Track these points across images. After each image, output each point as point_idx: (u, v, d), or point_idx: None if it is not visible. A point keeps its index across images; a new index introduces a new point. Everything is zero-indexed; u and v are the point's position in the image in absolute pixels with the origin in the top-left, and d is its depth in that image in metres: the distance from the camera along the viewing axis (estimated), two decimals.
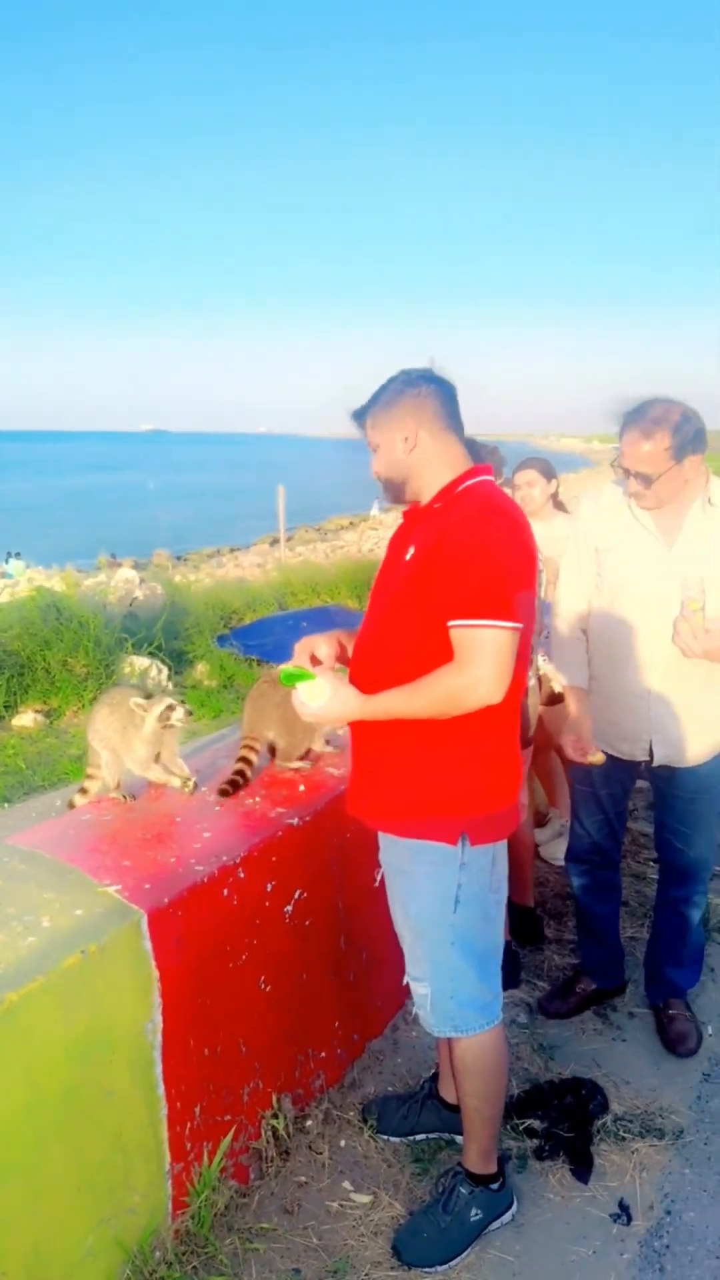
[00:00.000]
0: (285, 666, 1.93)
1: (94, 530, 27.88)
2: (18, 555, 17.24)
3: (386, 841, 2.01)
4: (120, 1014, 1.84)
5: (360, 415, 1.94)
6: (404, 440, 1.86)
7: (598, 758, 2.46)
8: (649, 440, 2.20)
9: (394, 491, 1.95)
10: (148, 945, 1.88)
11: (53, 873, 2.02)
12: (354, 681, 1.91)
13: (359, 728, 1.95)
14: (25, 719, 5.61)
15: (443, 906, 1.91)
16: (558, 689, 2.72)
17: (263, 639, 7.25)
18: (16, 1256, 1.62)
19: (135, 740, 2.34)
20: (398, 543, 1.99)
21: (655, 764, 2.49)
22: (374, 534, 21.89)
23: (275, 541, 19.71)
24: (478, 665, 1.72)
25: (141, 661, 6.39)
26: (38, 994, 1.65)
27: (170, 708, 2.32)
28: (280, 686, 2.56)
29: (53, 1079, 1.70)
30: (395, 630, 1.87)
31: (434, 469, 1.88)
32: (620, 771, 2.57)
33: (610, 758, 2.50)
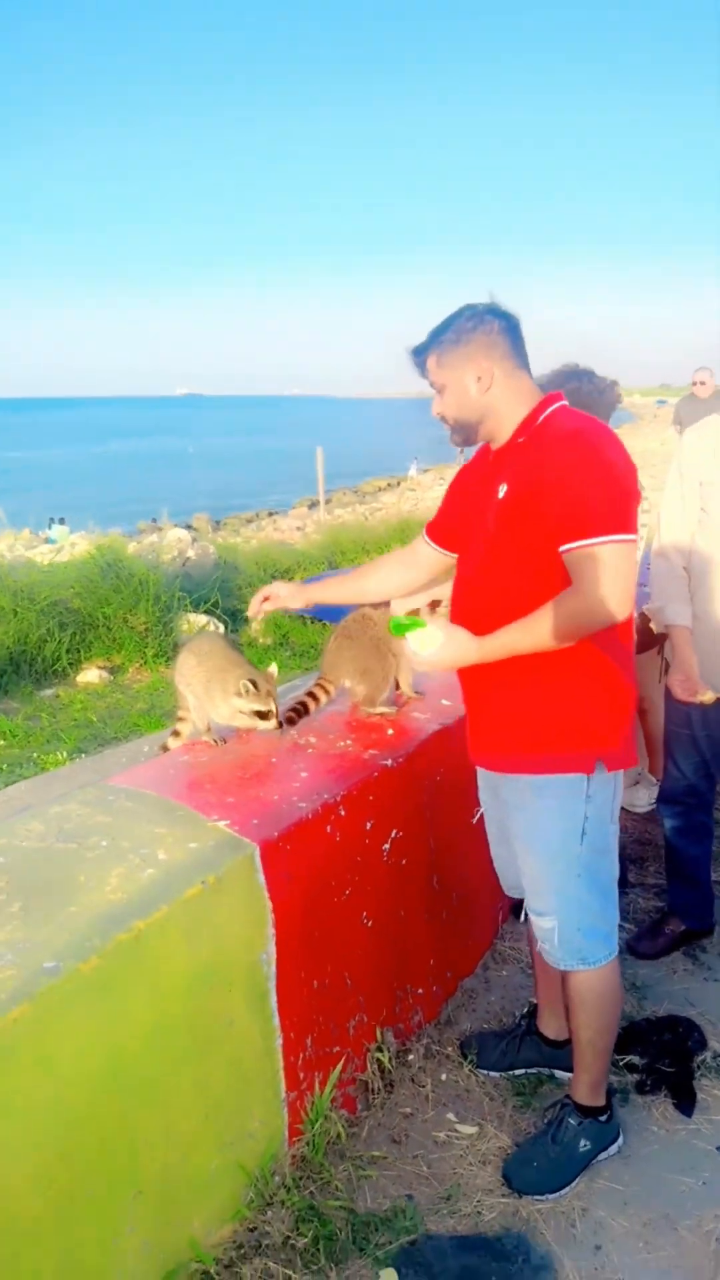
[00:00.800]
0: (395, 616, 1.89)
1: (133, 495, 28.00)
2: (61, 521, 17.36)
3: (504, 781, 1.99)
4: (238, 945, 1.86)
5: (422, 352, 1.85)
6: (478, 380, 1.80)
7: (708, 696, 2.41)
8: None
9: (465, 433, 1.89)
10: (261, 878, 1.89)
11: (161, 810, 2.04)
12: (463, 625, 1.86)
13: (471, 674, 1.91)
14: (90, 675, 5.68)
15: (569, 839, 1.90)
16: (657, 629, 2.67)
17: None
18: (150, 1175, 1.66)
19: (218, 699, 2.34)
20: (479, 484, 1.94)
21: None
22: (412, 494, 21.74)
23: (314, 504, 19.66)
24: (601, 584, 1.68)
25: (199, 619, 6.44)
26: (163, 923, 1.67)
27: (263, 715, 2.29)
28: (356, 636, 2.56)
29: (178, 1007, 1.73)
30: (499, 569, 1.83)
31: (510, 406, 1.83)
32: (718, 713, 2.53)
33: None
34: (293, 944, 1.98)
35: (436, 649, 1.77)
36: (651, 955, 2.79)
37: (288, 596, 2.32)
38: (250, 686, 2.26)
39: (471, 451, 2.04)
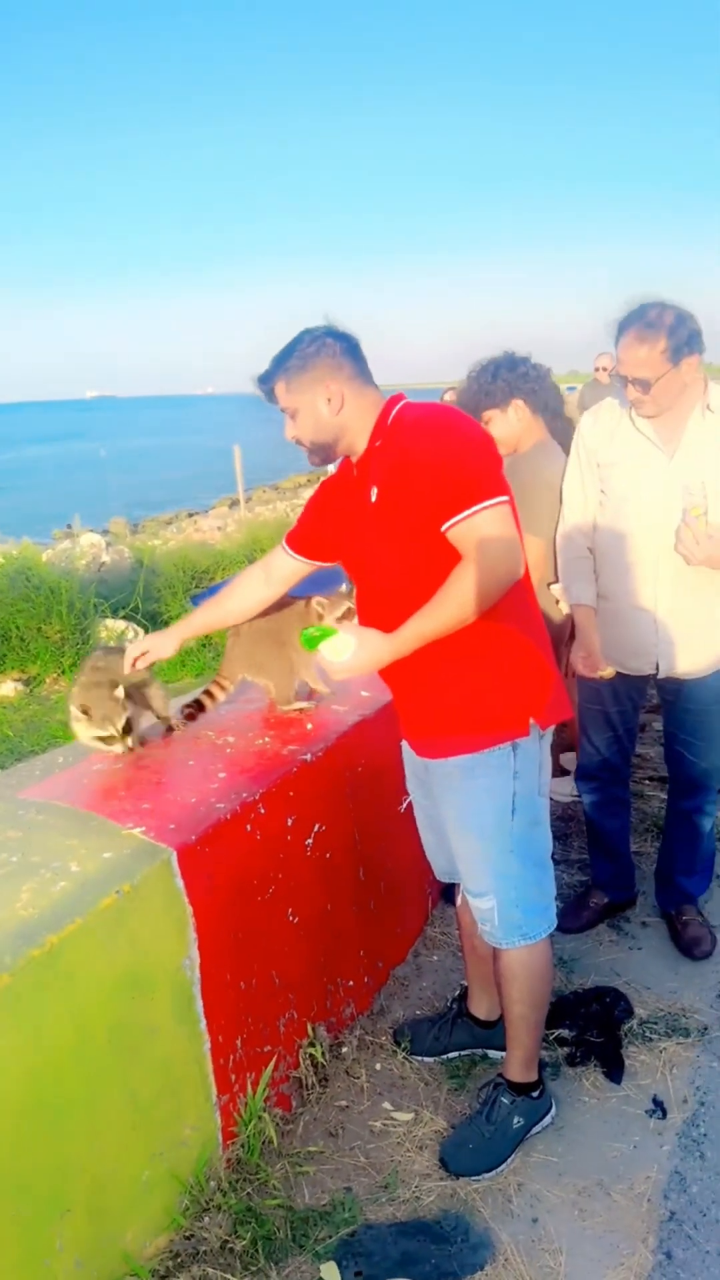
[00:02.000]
0: (304, 629, 1.89)
1: (45, 502, 27.33)
2: None
3: (432, 767, 2.01)
4: (158, 952, 1.83)
5: (268, 380, 1.89)
6: (328, 401, 1.85)
7: (608, 672, 2.47)
8: (644, 344, 2.17)
9: (322, 453, 1.92)
10: (179, 883, 1.86)
11: (73, 820, 1.99)
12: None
13: (391, 670, 1.90)
14: (5, 688, 5.54)
15: (500, 817, 1.92)
16: (565, 610, 2.72)
17: None
18: (78, 1192, 1.63)
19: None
20: (347, 494, 1.97)
21: (661, 676, 2.51)
22: None
23: (235, 503, 19.48)
24: (488, 549, 1.71)
25: (118, 624, 6.32)
26: (77, 935, 1.63)
27: (104, 740, 2.25)
28: (243, 631, 2.54)
29: (99, 1019, 1.69)
30: (390, 567, 1.86)
31: (362, 419, 1.88)
32: (629, 688, 2.59)
33: (619, 674, 2.52)
34: (216, 947, 1.96)
35: (351, 655, 1.78)
36: (577, 929, 2.85)
37: (160, 646, 2.33)
38: (81, 714, 2.23)
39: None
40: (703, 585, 2.36)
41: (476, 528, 1.72)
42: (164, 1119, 1.83)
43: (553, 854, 3.20)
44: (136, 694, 2.36)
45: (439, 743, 1.96)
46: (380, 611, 1.89)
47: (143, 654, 2.31)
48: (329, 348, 1.85)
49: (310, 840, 2.29)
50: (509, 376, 2.71)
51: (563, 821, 3.50)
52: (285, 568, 2.23)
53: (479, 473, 1.74)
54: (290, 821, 2.22)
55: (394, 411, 1.86)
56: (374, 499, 1.86)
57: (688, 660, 2.46)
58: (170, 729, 2.45)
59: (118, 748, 2.24)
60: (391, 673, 1.92)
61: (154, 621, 6.77)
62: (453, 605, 1.74)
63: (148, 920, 1.80)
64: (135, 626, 6.42)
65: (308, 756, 2.32)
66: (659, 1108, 2.21)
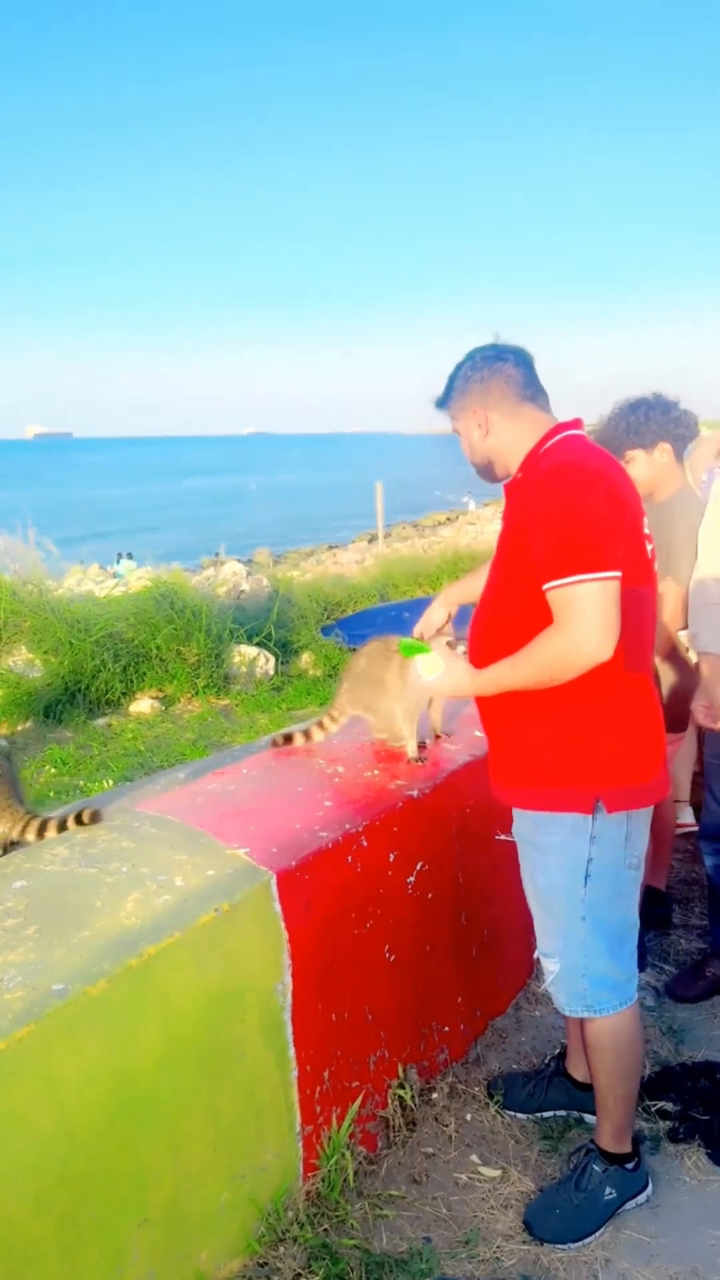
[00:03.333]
0: (404, 639, 1.96)
1: (200, 531, 28.51)
2: (129, 556, 17.75)
3: (518, 815, 1.97)
4: (252, 973, 1.86)
5: (442, 405, 1.93)
6: (478, 427, 1.86)
7: None
8: None
9: (485, 474, 1.93)
10: (277, 906, 1.89)
11: (182, 836, 2.06)
12: (471, 656, 1.91)
13: (485, 704, 1.93)
14: (143, 705, 5.78)
15: (572, 880, 1.85)
16: (693, 658, 2.62)
17: (365, 629, 7.29)
18: (157, 1203, 1.66)
19: None
20: (503, 522, 1.96)
21: None
22: (471, 528, 21.70)
23: (374, 538, 19.75)
24: (578, 623, 1.65)
25: (250, 651, 6.51)
26: (174, 949, 1.68)
27: None
28: (351, 669, 2.59)
29: (189, 1034, 1.73)
30: (501, 604, 1.86)
31: (515, 444, 1.84)
32: None
33: None
34: (310, 974, 1.97)
35: (439, 675, 1.88)
36: (690, 998, 2.70)
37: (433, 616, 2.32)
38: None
39: None
40: None
41: (574, 598, 1.66)
42: (246, 1142, 1.85)
43: (673, 918, 3.11)
44: None
45: (507, 789, 1.95)
46: (480, 641, 1.91)
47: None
48: (480, 370, 1.84)
49: (412, 879, 2.28)
50: (661, 420, 2.67)
51: (682, 884, 3.35)
52: None
53: (595, 541, 1.66)
54: (392, 857, 2.22)
55: (549, 444, 1.81)
56: (500, 530, 1.88)
57: None
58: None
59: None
60: (484, 706, 1.94)
61: (285, 650, 6.94)
62: (531, 667, 1.72)
63: (244, 940, 1.83)
64: (266, 653, 6.59)
65: (414, 793, 2.32)
66: None
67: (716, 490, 2.48)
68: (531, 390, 1.85)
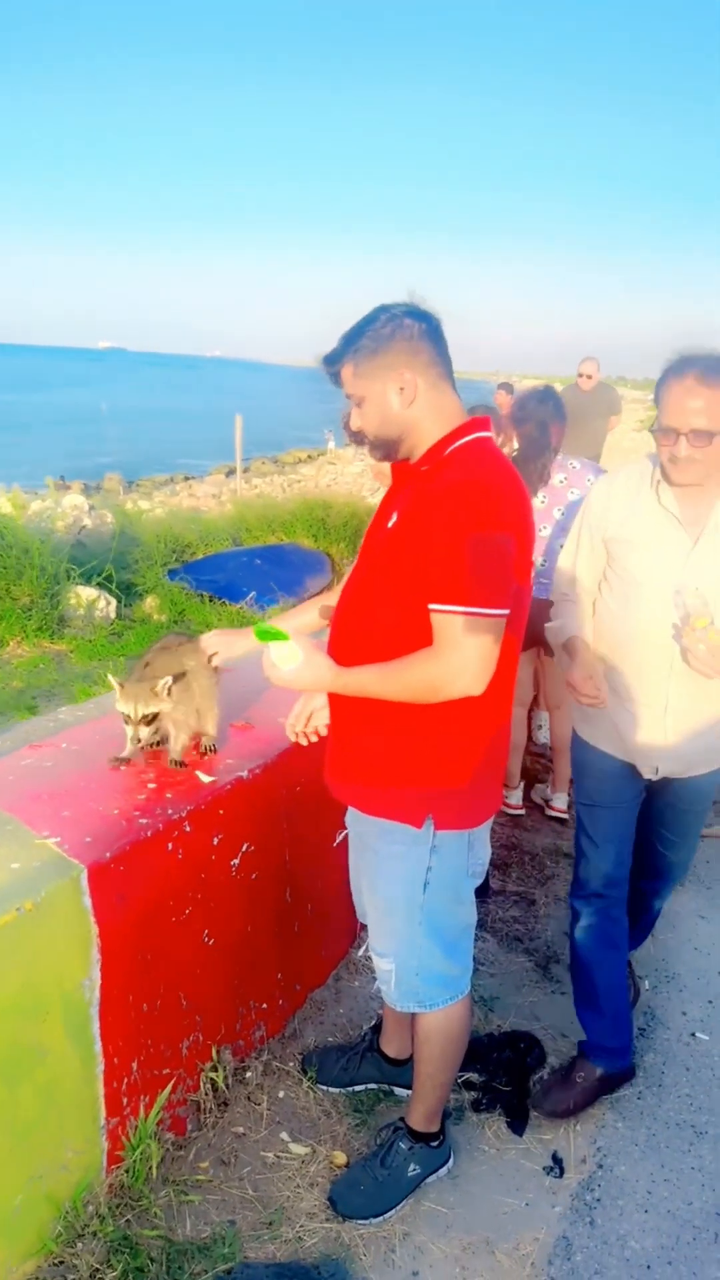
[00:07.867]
0: (261, 623, 1.79)
1: (44, 450, 27.02)
2: None
3: (356, 814, 1.94)
4: (56, 971, 1.77)
5: (335, 360, 1.69)
6: (400, 391, 1.65)
7: (600, 701, 2.16)
8: (710, 389, 1.86)
9: (386, 449, 1.74)
10: (87, 902, 1.81)
11: None
12: (332, 649, 1.80)
13: (336, 696, 1.83)
14: None
15: (411, 888, 1.83)
16: (554, 645, 2.47)
17: (215, 575, 7.11)
18: None
19: None
20: (385, 505, 1.83)
21: (657, 778, 2.24)
22: (332, 468, 21.54)
23: (231, 472, 19.28)
24: (458, 655, 1.58)
25: (89, 592, 6.23)
26: None
27: None
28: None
29: None
30: (375, 602, 1.73)
31: (431, 423, 1.68)
32: (631, 784, 2.30)
33: (618, 764, 2.27)
34: (121, 967, 1.91)
35: (295, 667, 1.69)
36: (564, 1113, 2.32)
37: (229, 646, 2.22)
38: (117, 684, 2.15)
39: None
40: (715, 690, 2.08)
41: (460, 629, 1.58)
42: (44, 1143, 1.79)
43: (491, 883, 3.21)
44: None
45: (340, 784, 1.89)
46: (344, 636, 1.80)
47: (214, 653, 2.21)
48: (406, 329, 1.64)
49: (237, 860, 2.24)
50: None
51: (506, 849, 3.47)
52: None
53: (494, 577, 1.59)
54: (217, 840, 2.17)
55: (456, 444, 1.67)
56: (391, 524, 1.73)
57: (690, 763, 2.21)
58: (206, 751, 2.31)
59: (129, 736, 2.16)
60: (334, 699, 1.86)
61: (128, 592, 6.68)
62: (398, 685, 1.65)
63: (48, 939, 1.74)
64: (107, 595, 6.33)
65: (243, 773, 2.27)
66: (557, 1165, 2.18)
67: (580, 513, 2.31)
68: (448, 367, 1.70)
